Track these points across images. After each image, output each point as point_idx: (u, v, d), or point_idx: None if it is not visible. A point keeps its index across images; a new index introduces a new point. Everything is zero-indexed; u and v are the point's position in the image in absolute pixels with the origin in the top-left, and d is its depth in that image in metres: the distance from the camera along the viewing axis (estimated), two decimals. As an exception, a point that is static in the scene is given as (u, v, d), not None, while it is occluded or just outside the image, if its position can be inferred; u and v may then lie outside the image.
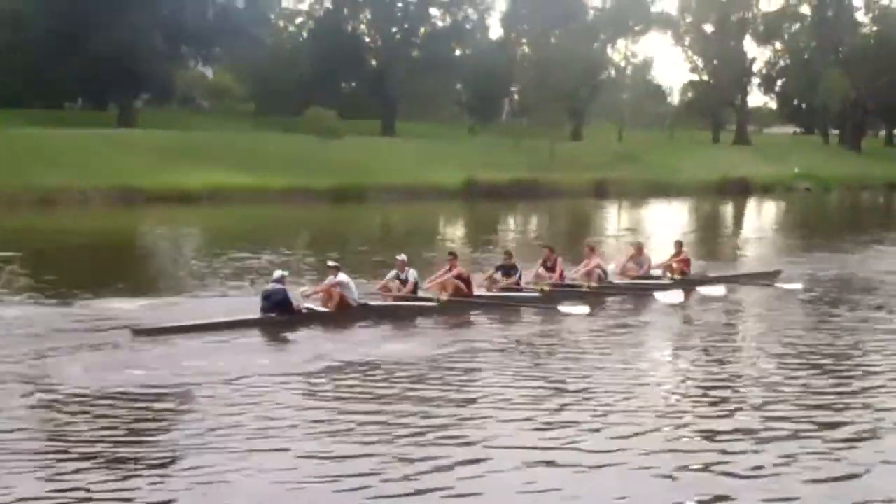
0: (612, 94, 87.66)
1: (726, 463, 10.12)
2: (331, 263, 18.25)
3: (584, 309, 18.64)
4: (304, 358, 14.58)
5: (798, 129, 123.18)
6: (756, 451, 10.52)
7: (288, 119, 69.13)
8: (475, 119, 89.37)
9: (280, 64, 79.59)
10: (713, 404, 12.59)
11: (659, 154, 78.07)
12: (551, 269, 21.01)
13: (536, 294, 19.97)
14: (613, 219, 51.77)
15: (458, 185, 57.56)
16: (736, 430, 11.27)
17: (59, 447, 10.22)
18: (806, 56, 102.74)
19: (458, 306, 18.85)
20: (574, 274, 21.31)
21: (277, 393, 12.48)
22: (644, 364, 14.86)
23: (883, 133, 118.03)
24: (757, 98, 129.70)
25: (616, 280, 21.75)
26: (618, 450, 10.45)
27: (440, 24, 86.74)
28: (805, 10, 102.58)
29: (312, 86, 79.06)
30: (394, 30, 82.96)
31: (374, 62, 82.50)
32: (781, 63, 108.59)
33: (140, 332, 15.54)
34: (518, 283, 20.32)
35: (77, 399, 11.88)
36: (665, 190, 64.95)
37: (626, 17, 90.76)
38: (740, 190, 67.96)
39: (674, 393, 13.29)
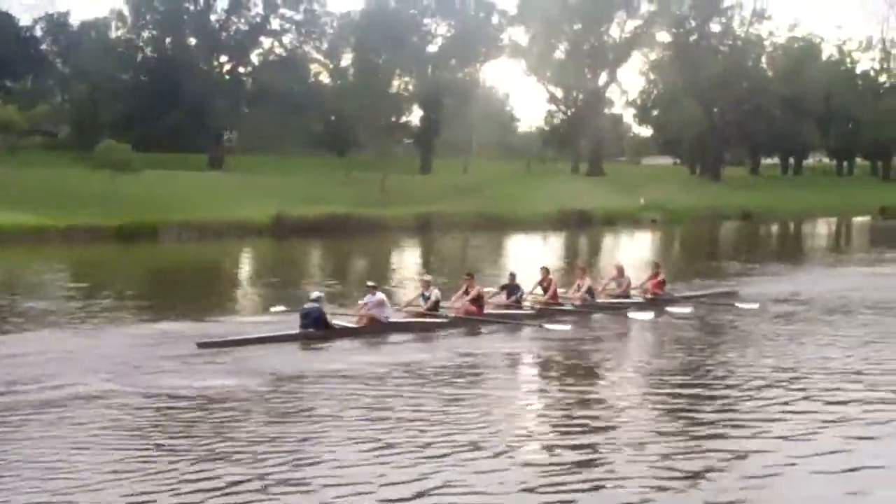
0: (457, 125, 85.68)
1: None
2: (369, 283, 21.76)
3: (566, 327, 21.82)
4: (333, 366, 17.72)
5: (676, 160, 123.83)
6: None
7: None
8: (331, 152, 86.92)
9: (101, 95, 76.21)
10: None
11: (505, 186, 76.65)
12: (547, 288, 24.38)
13: (533, 312, 23.51)
14: (410, 254, 49.91)
15: (266, 221, 54.72)
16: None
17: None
18: (659, 86, 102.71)
19: (468, 323, 22.18)
20: (566, 293, 25.02)
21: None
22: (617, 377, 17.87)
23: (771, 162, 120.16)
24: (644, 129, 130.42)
25: (599, 299, 25.20)
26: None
27: (279, 52, 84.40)
28: (664, 37, 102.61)
29: (136, 118, 75.88)
30: (223, 59, 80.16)
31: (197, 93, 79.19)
32: (656, 92, 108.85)
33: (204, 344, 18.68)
34: (519, 303, 23.77)
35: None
36: (500, 223, 63.06)
37: (472, 45, 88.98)
38: (579, 222, 66.35)
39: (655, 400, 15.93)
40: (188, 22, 79.62)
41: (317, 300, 20.48)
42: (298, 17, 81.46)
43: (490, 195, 71.84)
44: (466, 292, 22.71)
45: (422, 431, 13.36)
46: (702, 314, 24.72)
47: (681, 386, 16.82)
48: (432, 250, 51.72)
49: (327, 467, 11.87)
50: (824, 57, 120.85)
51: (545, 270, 25.00)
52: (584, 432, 13.77)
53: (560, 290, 24.87)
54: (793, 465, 12.20)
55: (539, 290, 24.49)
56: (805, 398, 15.74)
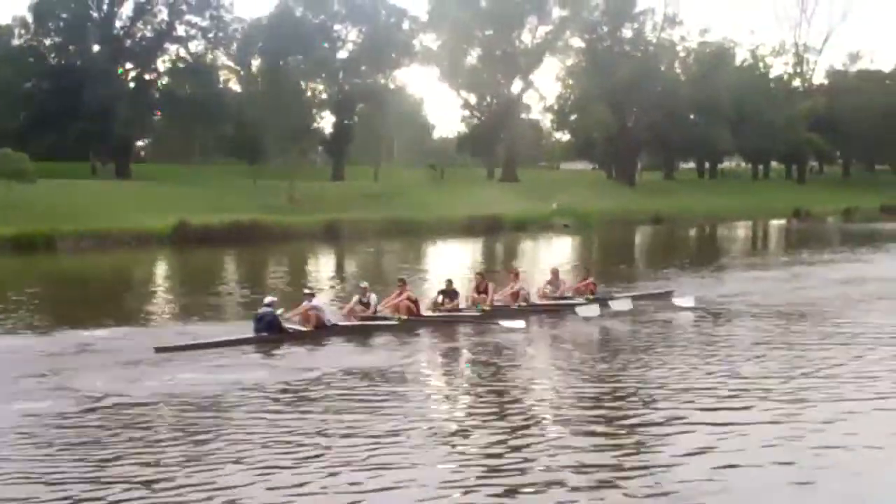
0: (368, 132, 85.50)
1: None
2: (306, 290, 23.07)
3: (521, 323, 23.02)
4: (289, 368, 18.71)
5: (595, 165, 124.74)
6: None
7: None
8: (242, 160, 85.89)
9: (3, 103, 74.79)
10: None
11: (417, 193, 76.70)
12: (483, 292, 25.00)
13: (477, 313, 24.15)
14: (315, 262, 49.59)
15: (167, 230, 53.95)
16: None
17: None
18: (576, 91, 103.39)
19: (413, 325, 23.00)
20: (500, 296, 25.42)
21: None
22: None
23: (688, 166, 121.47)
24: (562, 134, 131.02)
25: (536, 301, 26.06)
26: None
27: (185, 58, 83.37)
28: (577, 42, 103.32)
29: (39, 126, 74.52)
30: (129, 66, 78.92)
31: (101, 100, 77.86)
32: (572, 98, 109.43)
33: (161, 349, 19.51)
34: (457, 306, 24.41)
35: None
36: (409, 230, 62.94)
37: (383, 51, 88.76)
38: (488, 228, 66.42)
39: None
40: (92, 29, 78.26)
41: (269, 304, 21.38)
42: (205, 23, 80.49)
43: (401, 202, 71.85)
44: (399, 296, 23.72)
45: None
46: (640, 311, 26.09)
47: (617, 383, 17.75)
48: (339, 257, 51.43)
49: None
50: (738, 62, 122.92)
51: (480, 276, 25.91)
52: (515, 428, 14.57)
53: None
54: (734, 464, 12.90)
55: (475, 294, 25.19)
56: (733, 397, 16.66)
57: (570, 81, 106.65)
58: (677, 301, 27.17)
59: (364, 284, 24.15)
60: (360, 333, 22.23)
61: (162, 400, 16.05)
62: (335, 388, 17.07)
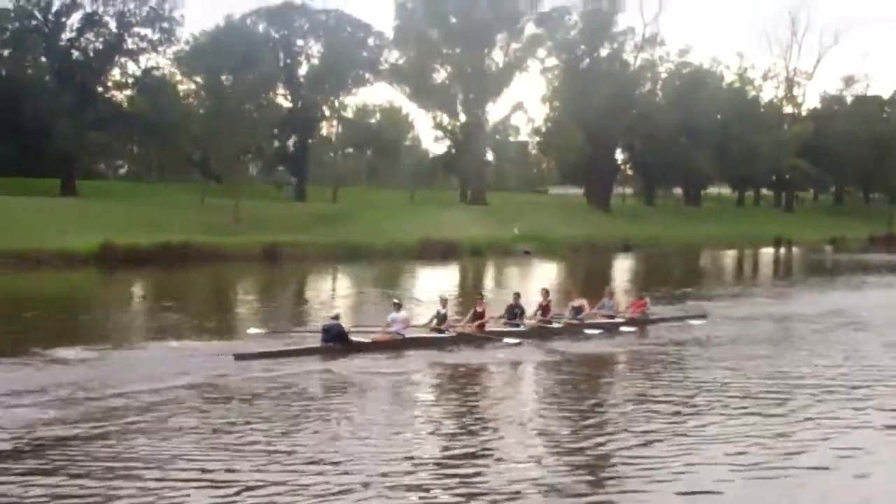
0: (323, 152, 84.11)
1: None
2: (395, 301, 25.74)
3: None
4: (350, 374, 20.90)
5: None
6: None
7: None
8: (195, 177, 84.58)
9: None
10: None
11: (376, 216, 75.38)
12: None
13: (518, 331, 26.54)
14: (235, 284, 47.97)
15: (93, 250, 52.49)
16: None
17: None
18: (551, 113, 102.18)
19: (468, 338, 25.44)
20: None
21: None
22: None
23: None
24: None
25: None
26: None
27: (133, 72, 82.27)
28: (552, 62, 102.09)
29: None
30: (76, 79, 77.31)
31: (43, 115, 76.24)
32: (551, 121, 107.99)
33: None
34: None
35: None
36: (355, 253, 61.54)
37: (345, 68, 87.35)
38: (443, 253, 64.97)
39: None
40: (37, 41, 77.05)
41: (336, 317, 24.09)
42: (155, 36, 79.18)
43: (357, 225, 70.66)
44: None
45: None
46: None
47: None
48: (260, 281, 49.86)
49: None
50: (725, 84, 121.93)
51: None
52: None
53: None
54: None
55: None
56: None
57: (556, 103, 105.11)
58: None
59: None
60: (425, 345, 24.53)
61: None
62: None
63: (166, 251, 53.94)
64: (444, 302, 26.22)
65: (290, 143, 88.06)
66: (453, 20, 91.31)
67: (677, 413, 17.60)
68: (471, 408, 18.01)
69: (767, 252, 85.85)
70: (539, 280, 49.02)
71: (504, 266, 63.06)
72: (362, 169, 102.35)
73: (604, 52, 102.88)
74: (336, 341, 23.25)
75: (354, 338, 23.82)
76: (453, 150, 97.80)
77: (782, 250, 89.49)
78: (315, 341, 23.62)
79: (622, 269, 64.59)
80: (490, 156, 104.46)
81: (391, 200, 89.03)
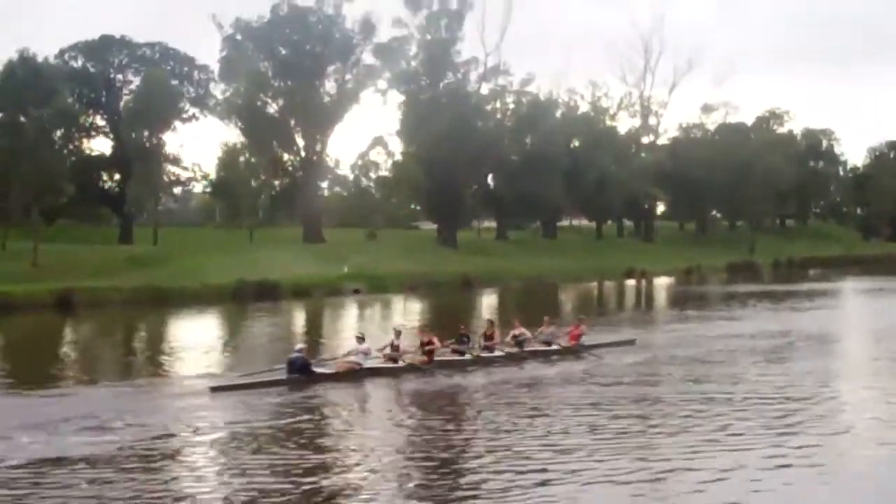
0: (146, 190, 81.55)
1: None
2: (358, 335, 28.15)
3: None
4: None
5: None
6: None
7: None
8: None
9: None
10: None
11: (195, 257, 73.11)
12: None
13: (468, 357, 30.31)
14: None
15: None
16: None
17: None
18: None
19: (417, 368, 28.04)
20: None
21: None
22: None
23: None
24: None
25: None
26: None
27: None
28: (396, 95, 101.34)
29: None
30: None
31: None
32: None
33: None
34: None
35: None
36: (161, 298, 59.22)
37: (163, 105, 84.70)
38: (260, 294, 63.05)
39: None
40: None
41: (300, 350, 26.53)
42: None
43: (173, 267, 68.44)
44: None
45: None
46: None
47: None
48: (29, 335, 47.20)
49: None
50: (580, 113, 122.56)
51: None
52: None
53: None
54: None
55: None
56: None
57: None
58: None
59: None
60: (383, 375, 27.49)
61: None
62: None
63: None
64: (397, 333, 29.04)
65: (113, 182, 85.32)
66: (283, 52, 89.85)
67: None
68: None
69: (610, 285, 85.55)
70: (351, 322, 47.84)
71: (324, 307, 61.60)
72: (203, 209, 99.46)
73: (447, 82, 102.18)
74: (300, 373, 25.71)
75: (317, 369, 26.41)
76: (293, 187, 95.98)
77: (632, 282, 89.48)
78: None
79: (451, 305, 63.57)
80: (337, 191, 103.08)
81: (227, 240, 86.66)
